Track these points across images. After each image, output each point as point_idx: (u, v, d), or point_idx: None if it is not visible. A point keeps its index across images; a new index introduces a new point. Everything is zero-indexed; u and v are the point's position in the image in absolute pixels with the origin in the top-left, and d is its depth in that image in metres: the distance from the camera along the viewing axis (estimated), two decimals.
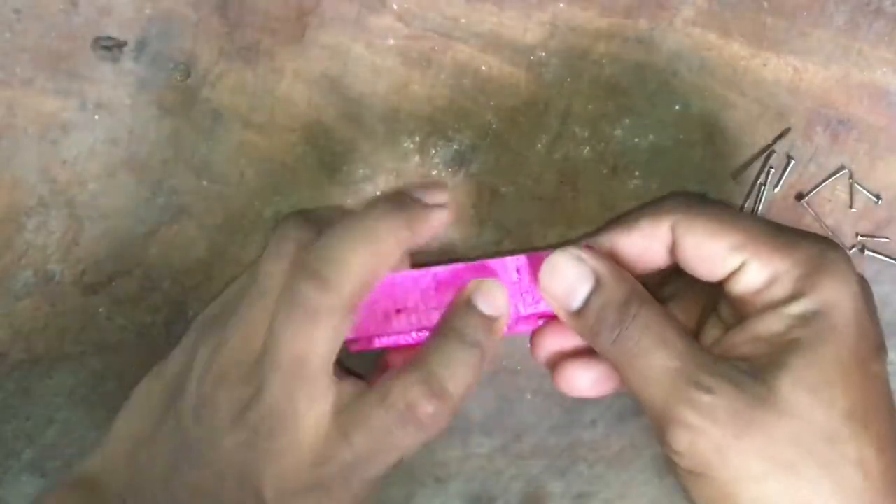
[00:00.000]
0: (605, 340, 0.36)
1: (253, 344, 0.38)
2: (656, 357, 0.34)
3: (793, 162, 0.48)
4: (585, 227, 0.48)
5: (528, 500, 0.51)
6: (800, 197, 0.48)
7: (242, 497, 0.37)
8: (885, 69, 0.47)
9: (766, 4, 0.46)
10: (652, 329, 0.35)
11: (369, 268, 0.37)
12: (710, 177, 0.48)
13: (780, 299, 0.34)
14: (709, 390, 0.33)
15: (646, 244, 0.37)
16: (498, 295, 0.38)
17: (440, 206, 0.39)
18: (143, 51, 0.45)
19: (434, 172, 0.47)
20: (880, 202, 0.48)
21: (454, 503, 0.51)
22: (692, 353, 0.34)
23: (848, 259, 0.35)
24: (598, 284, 0.36)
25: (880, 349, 0.35)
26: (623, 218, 0.38)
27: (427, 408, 0.36)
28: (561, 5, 0.46)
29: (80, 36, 0.45)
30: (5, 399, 0.48)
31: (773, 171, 0.48)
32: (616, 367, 0.36)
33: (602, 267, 0.37)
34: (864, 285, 0.36)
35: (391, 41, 0.46)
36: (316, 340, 0.36)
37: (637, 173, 0.47)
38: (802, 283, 0.34)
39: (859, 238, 0.48)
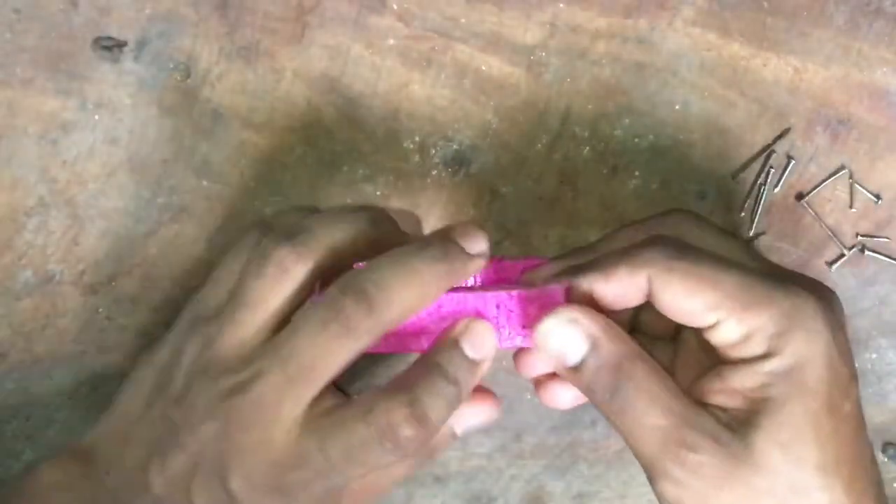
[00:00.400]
0: (601, 398, 0.38)
1: (245, 337, 0.39)
2: (648, 416, 0.37)
3: (793, 162, 0.48)
4: (585, 227, 0.48)
5: (528, 499, 0.51)
6: (800, 197, 0.48)
7: (210, 485, 0.38)
8: (885, 69, 0.47)
9: (766, 4, 0.46)
10: (643, 389, 0.37)
11: (409, 304, 0.38)
12: (710, 177, 0.48)
13: (754, 356, 0.36)
14: (693, 448, 0.36)
15: (622, 291, 0.38)
16: (486, 339, 0.40)
17: (480, 255, 0.40)
18: (143, 51, 0.45)
19: (434, 173, 0.47)
20: (880, 202, 0.48)
21: (454, 503, 0.51)
22: (680, 409, 0.37)
23: (822, 306, 0.37)
24: (592, 347, 0.38)
25: (851, 383, 0.37)
26: (601, 262, 0.39)
27: (407, 431, 0.37)
28: (561, 5, 0.46)
29: (80, 36, 0.45)
30: (5, 399, 0.48)
31: (773, 171, 0.48)
32: (609, 418, 0.38)
33: (596, 329, 0.38)
34: (833, 325, 0.37)
35: (391, 41, 0.46)
36: (336, 355, 0.37)
37: (637, 173, 0.47)
38: (776, 341, 0.36)
39: (859, 238, 0.48)
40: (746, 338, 0.36)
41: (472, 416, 0.42)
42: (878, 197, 0.48)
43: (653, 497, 0.49)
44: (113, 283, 0.47)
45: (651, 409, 0.37)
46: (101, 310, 0.47)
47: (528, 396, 0.49)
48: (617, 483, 0.51)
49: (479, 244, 0.40)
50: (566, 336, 0.38)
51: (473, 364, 0.39)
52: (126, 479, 0.40)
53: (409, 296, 0.37)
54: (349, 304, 0.37)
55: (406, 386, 0.38)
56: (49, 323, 0.47)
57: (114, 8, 0.45)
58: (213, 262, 0.47)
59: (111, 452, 0.41)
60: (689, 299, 0.37)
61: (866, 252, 0.48)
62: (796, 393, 0.36)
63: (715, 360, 0.38)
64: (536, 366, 0.42)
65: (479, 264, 0.40)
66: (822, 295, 0.37)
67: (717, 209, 0.48)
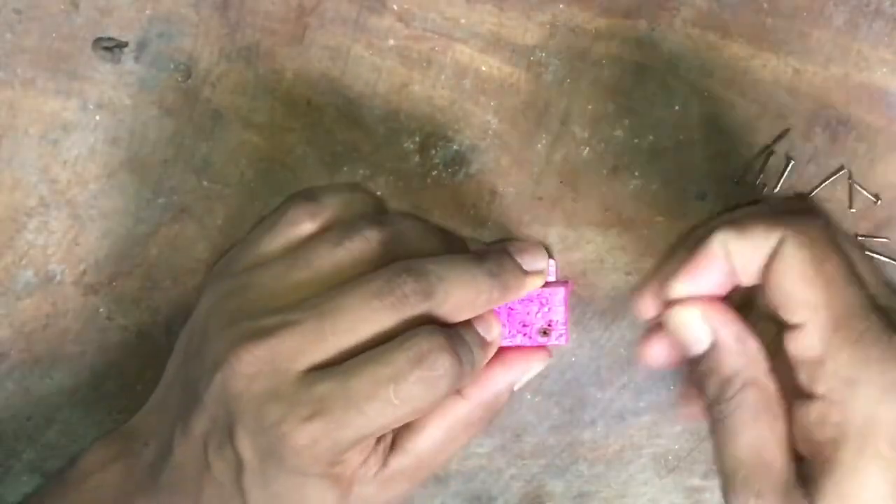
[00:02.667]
0: (704, 398, 0.36)
1: (282, 287, 0.38)
2: (735, 437, 0.35)
3: (792, 162, 0.48)
4: (585, 227, 0.48)
5: (527, 499, 0.51)
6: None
7: (223, 445, 0.36)
8: (884, 69, 0.47)
9: (765, 5, 0.46)
10: (742, 413, 0.35)
11: (460, 307, 0.37)
12: (710, 177, 0.48)
13: (816, 393, 0.33)
14: (760, 496, 0.34)
15: (752, 254, 0.35)
16: (493, 324, 0.40)
17: (537, 273, 0.40)
18: (144, 51, 0.45)
19: (434, 173, 0.47)
20: (880, 202, 0.48)
21: (454, 502, 0.51)
22: (763, 452, 0.35)
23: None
24: (712, 349, 0.36)
25: None
26: (734, 217, 0.36)
27: (444, 357, 0.36)
28: (561, 5, 0.46)
29: (80, 36, 0.45)
30: (5, 399, 0.48)
31: (772, 171, 0.48)
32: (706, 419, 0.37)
33: (723, 331, 0.36)
34: None
35: (391, 41, 0.46)
36: (377, 325, 0.36)
37: (637, 173, 0.47)
38: (842, 386, 0.32)
39: (859, 238, 0.48)
40: (815, 365, 0.33)
41: (526, 370, 0.41)
42: (877, 197, 0.48)
43: (652, 497, 0.49)
44: (113, 284, 0.47)
45: (740, 434, 0.35)
46: (101, 310, 0.47)
47: (528, 396, 0.49)
48: (617, 483, 0.51)
49: (537, 262, 0.40)
50: (692, 329, 0.36)
51: (485, 342, 0.39)
52: (159, 448, 0.39)
53: (463, 298, 0.37)
54: (409, 283, 0.36)
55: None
56: (49, 323, 0.47)
57: (114, 8, 0.45)
58: (213, 262, 0.47)
59: (150, 424, 0.41)
60: (798, 285, 0.33)
61: (866, 253, 0.48)
62: (866, 459, 0.32)
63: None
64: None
65: (537, 283, 0.40)
66: None
67: (716, 209, 0.48)
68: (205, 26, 0.45)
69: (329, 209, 0.40)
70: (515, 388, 0.42)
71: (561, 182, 0.47)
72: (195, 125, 0.46)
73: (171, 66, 0.46)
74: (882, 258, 0.48)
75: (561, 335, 0.42)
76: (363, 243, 0.38)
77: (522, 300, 0.40)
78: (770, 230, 0.34)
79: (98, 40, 0.45)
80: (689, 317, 0.36)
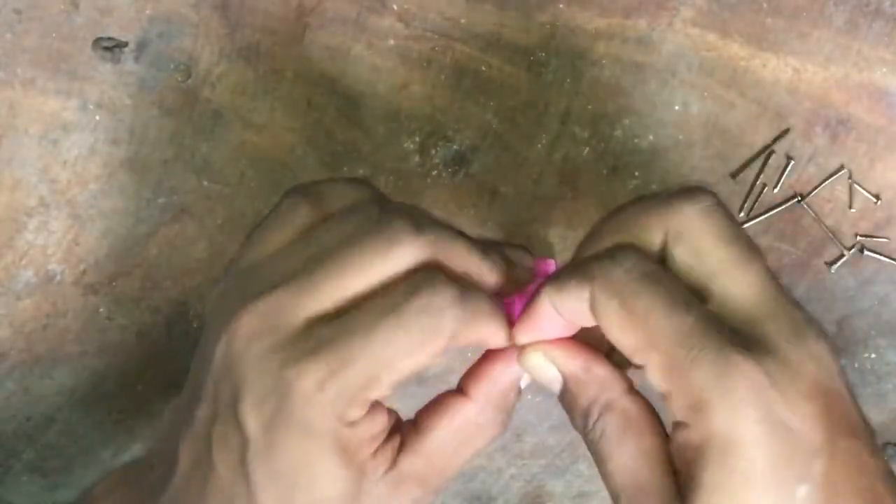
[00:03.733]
0: (576, 427, 0.37)
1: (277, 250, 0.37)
2: (608, 463, 0.35)
3: (792, 162, 0.48)
4: (585, 227, 0.48)
5: (527, 499, 0.51)
6: (799, 197, 0.48)
7: (226, 429, 0.35)
8: (884, 69, 0.47)
9: (765, 5, 0.46)
10: (608, 438, 0.36)
11: (449, 254, 0.37)
12: (710, 177, 0.48)
13: (677, 422, 0.33)
14: None
15: (577, 306, 0.35)
16: (526, 258, 0.40)
17: (526, 269, 0.40)
18: (144, 51, 0.45)
19: (434, 173, 0.47)
20: (879, 202, 0.48)
21: (454, 502, 0.51)
22: (635, 468, 0.35)
23: (768, 369, 0.32)
24: (565, 384, 0.37)
25: (816, 454, 0.32)
26: (559, 273, 0.37)
27: (446, 292, 0.35)
28: (561, 6, 0.46)
29: (80, 36, 0.45)
30: (6, 399, 0.48)
31: (772, 171, 0.48)
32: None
33: (569, 365, 0.37)
34: (782, 386, 0.32)
35: (391, 41, 0.46)
36: (370, 268, 0.35)
37: (637, 173, 0.47)
38: (692, 413, 0.32)
39: (859, 238, 0.48)
40: (667, 397, 0.33)
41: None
42: (877, 197, 0.48)
43: None
44: (113, 283, 0.47)
45: (612, 460, 0.35)
46: (101, 310, 0.47)
47: (529, 396, 0.49)
48: None
49: (525, 260, 0.40)
50: (544, 370, 0.37)
51: (488, 296, 0.38)
52: (164, 468, 0.38)
53: (452, 246, 0.37)
54: (397, 221, 0.36)
55: None
56: (50, 323, 0.47)
57: (114, 9, 0.45)
58: (213, 262, 0.47)
59: (157, 450, 0.40)
60: (620, 335, 0.34)
61: (865, 252, 0.48)
62: (727, 477, 0.32)
63: None
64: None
65: (522, 274, 0.39)
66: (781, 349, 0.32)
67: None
68: (205, 26, 0.45)
69: (327, 199, 0.39)
70: (523, 385, 0.41)
71: (561, 182, 0.47)
72: (195, 125, 0.46)
73: (171, 66, 0.46)
74: (882, 258, 0.48)
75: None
76: (365, 219, 0.37)
77: (521, 297, 0.40)
78: (580, 285, 0.34)
79: (98, 40, 0.45)
80: (534, 359, 0.37)
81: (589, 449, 0.36)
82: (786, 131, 0.47)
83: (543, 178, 0.47)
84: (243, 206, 0.47)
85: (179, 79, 0.46)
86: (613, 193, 0.48)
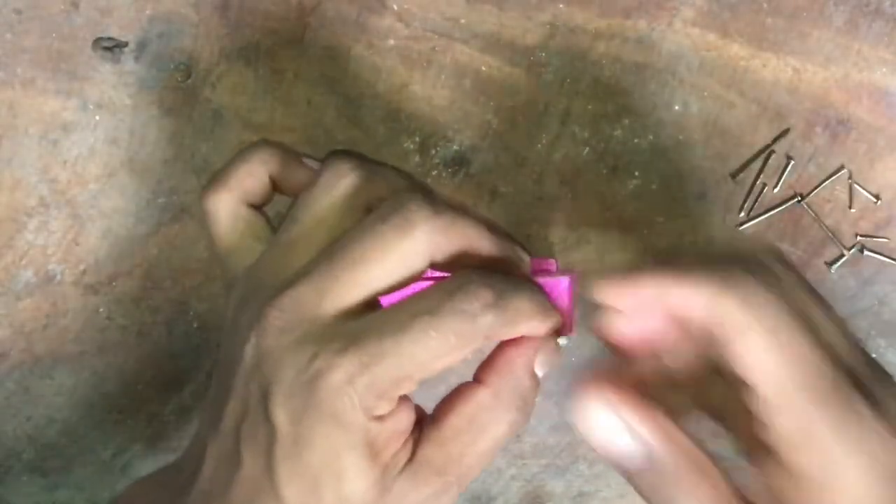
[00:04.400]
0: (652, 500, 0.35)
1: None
2: None
3: (792, 162, 0.48)
4: (585, 227, 0.48)
5: (527, 499, 0.51)
6: (799, 197, 0.48)
7: (255, 424, 0.35)
8: (884, 69, 0.47)
9: (765, 5, 0.46)
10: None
11: (468, 237, 0.36)
12: (710, 177, 0.48)
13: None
14: None
15: (684, 305, 0.33)
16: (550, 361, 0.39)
17: (522, 259, 0.40)
18: (144, 51, 0.45)
19: (434, 173, 0.47)
20: (879, 202, 0.48)
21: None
22: None
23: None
24: (647, 459, 0.34)
25: None
26: (675, 262, 0.34)
27: (485, 292, 0.35)
28: (561, 6, 0.46)
29: (80, 36, 0.45)
30: (6, 399, 0.48)
31: (772, 171, 0.48)
32: None
33: (652, 438, 0.34)
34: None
35: (391, 41, 0.46)
36: (389, 252, 0.35)
37: (637, 173, 0.47)
38: (802, 444, 0.31)
39: (859, 238, 0.48)
40: (778, 422, 0.32)
41: (544, 354, 0.39)
42: (877, 197, 0.48)
43: None
44: (113, 284, 0.47)
45: None
46: (101, 310, 0.47)
47: None
48: (617, 482, 0.51)
49: (522, 255, 0.40)
50: (616, 437, 0.35)
51: (521, 286, 0.38)
52: (191, 469, 0.38)
53: (468, 228, 0.36)
54: (415, 202, 0.35)
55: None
56: (50, 323, 0.47)
57: (114, 9, 0.45)
58: (213, 262, 0.47)
59: (186, 455, 0.40)
60: (756, 351, 0.32)
61: (865, 252, 0.48)
62: None
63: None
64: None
65: (523, 257, 0.39)
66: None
67: (716, 209, 0.48)
68: (205, 26, 0.45)
69: (378, 180, 0.38)
70: (539, 372, 0.40)
71: (561, 182, 0.47)
72: (195, 125, 0.46)
73: (171, 66, 0.46)
74: (882, 258, 0.48)
75: (566, 325, 0.42)
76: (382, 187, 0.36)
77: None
78: (708, 284, 0.32)
79: (98, 40, 0.45)
80: (598, 417, 0.34)
81: None
82: (786, 131, 0.47)
83: (543, 178, 0.47)
84: None
85: (179, 79, 0.46)
86: (613, 193, 0.48)
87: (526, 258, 0.39)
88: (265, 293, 0.36)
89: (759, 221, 0.48)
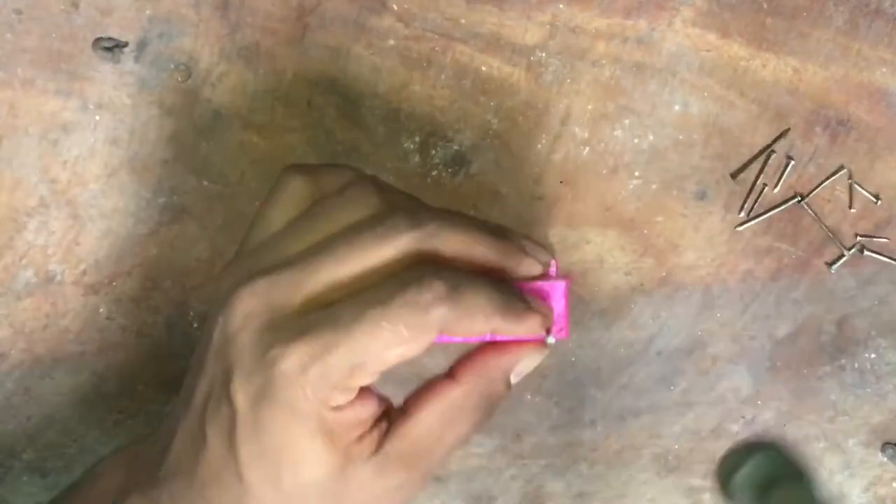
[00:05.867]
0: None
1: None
2: None
3: (792, 162, 0.48)
4: (585, 227, 0.48)
5: (527, 499, 0.51)
6: (800, 197, 0.48)
7: (219, 402, 0.36)
8: (884, 69, 0.47)
9: (765, 5, 0.46)
10: None
11: (452, 246, 0.37)
12: (710, 177, 0.48)
13: None
14: None
15: None
16: (543, 253, 0.40)
17: (537, 261, 0.40)
18: (144, 51, 0.45)
19: (434, 173, 0.47)
20: (879, 202, 0.48)
21: (454, 502, 0.51)
22: None
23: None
24: None
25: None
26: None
27: (438, 285, 0.36)
28: (561, 5, 0.46)
29: (80, 36, 0.45)
30: (6, 399, 0.48)
31: (772, 171, 0.48)
32: None
33: None
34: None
35: (391, 41, 0.46)
36: (369, 254, 0.36)
37: (637, 173, 0.47)
38: None
39: (859, 238, 0.48)
40: None
41: (519, 357, 0.41)
42: (877, 197, 0.48)
43: (652, 497, 0.49)
44: (113, 284, 0.47)
45: None
46: (101, 310, 0.47)
47: (528, 396, 0.49)
48: (617, 483, 0.51)
49: (539, 253, 0.40)
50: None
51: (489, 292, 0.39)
52: (163, 444, 0.39)
53: (456, 237, 0.37)
54: (400, 215, 0.36)
55: None
56: (50, 323, 0.47)
57: (114, 9, 0.45)
58: (213, 262, 0.47)
59: (162, 433, 0.40)
60: None
61: (865, 252, 0.48)
62: None
63: None
64: None
65: (533, 267, 0.39)
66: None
67: (716, 209, 0.48)
68: (205, 26, 0.45)
69: (325, 178, 0.39)
70: (513, 380, 0.41)
71: (561, 182, 0.47)
72: (195, 125, 0.46)
73: (171, 66, 0.46)
74: (882, 258, 0.48)
75: (561, 329, 0.42)
76: (364, 205, 0.37)
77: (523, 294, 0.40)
78: None
79: (98, 40, 0.45)
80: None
81: None
82: (786, 131, 0.47)
83: (543, 178, 0.47)
84: (243, 206, 0.47)
85: (179, 79, 0.46)
86: (613, 193, 0.48)
87: (529, 261, 0.40)
88: (243, 274, 0.36)
89: (759, 221, 0.48)
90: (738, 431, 0.51)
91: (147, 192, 0.47)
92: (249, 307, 0.36)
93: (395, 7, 0.46)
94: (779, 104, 0.47)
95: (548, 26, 0.46)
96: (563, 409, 0.50)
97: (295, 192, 0.39)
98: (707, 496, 0.52)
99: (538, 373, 0.48)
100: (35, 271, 0.47)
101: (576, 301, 0.48)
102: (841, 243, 0.48)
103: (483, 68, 0.46)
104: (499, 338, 0.40)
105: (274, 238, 0.38)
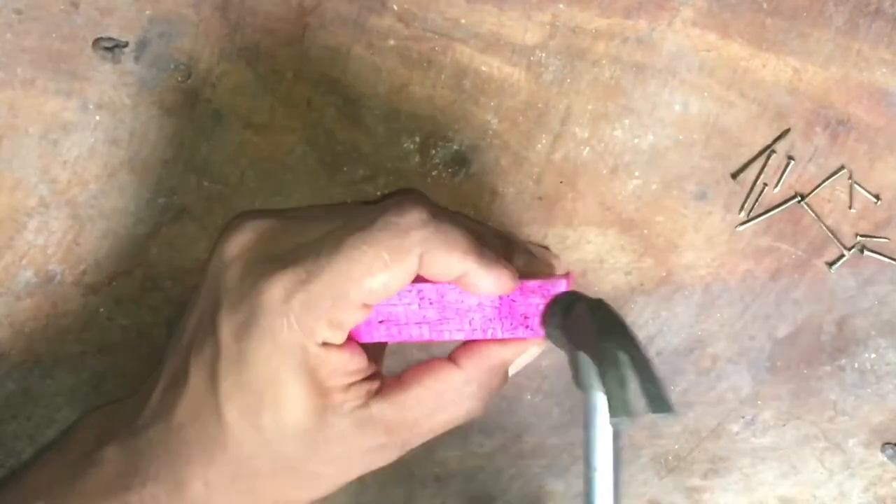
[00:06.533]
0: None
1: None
2: None
3: (792, 162, 0.48)
4: (585, 227, 0.48)
5: (527, 499, 0.51)
6: (800, 197, 0.48)
7: (205, 335, 0.37)
8: (884, 69, 0.47)
9: (765, 5, 0.46)
10: None
11: (456, 250, 0.37)
12: (710, 177, 0.48)
13: None
14: None
15: None
16: (550, 256, 0.42)
17: (548, 263, 0.41)
18: (144, 51, 0.45)
19: (434, 173, 0.47)
20: (879, 202, 0.48)
21: (454, 503, 0.51)
22: None
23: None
24: None
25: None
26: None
27: (418, 211, 0.37)
28: (561, 6, 0.46)
29: (81, 37, 0.45)
30: (6, 399, 0.48)
31: (772, 171, 0.48)
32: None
33: None
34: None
35: (391, 42, 0.46)
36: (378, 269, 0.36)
37: (637, 173, 0.47)
38: None
39: (859, 238, 0.48)
40: None
41: (521, 350, 0.41)
42: (877, 197, 0.48)
43: (652, 497, 0.49)
44: (114, 283, 0.47)
45: None
46: (101, 310, 0.47)
47: (528, 396, 0.49)
48: None
49: (545, 254, 0.42)
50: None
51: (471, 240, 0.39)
52: (141, 398, 0.40)
53: (453, 248, 0.37)
54: (401, 214, 0.37)
55: None
56: (50, 323, 0.47)
57: (115, 9, 0.45)
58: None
59: (146, 386, 0.41)
60: None
61: (866, 252, 0.48)
62: None
63: None
64: None
65: (535, 264, 0.41)
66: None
67: (716, 209, 0.48)
68: (205, 26, 0.45)
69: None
70: (511, 371, 0.41)
71: (561, 182, 0.47)
72: (195, 125, 0.46)
73: (171, 66, 0.46)
74: (882, 258, 0.48)
75: None
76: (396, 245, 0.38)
77: (524, 292, 0.40)
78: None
79: (98, 40, 0.45)
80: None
81: None
82: (786, 131, 0.47)
83: (543, 178, 0.47)
84: (243, 206, 0.47)
85: (179, 79, 0.46)
86: (613, 193, 0.48)
87: (549, 256, 0.41)
88: (241, 218, 0.38)
89: (759, 221, 0.48)
90: (738, 431, 0.51)
91: (147, 192, 0.47)
92: (244, 242, 0.36)
93: (395, 7, 0.46)
94: (779, 104, 0.47)
95: (548, 26, 0.46)
96: (564, 409, 0.50)
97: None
98: (707, 496, 0.52)
99: (538, 373, 0.48)
100: (35, 271, 0.47)
101: None
102: (841, 243, 0.48)
103: (483, 68, 0.46)
104: (499, 337, 0.40)
105: (312, 211, 0.40)
